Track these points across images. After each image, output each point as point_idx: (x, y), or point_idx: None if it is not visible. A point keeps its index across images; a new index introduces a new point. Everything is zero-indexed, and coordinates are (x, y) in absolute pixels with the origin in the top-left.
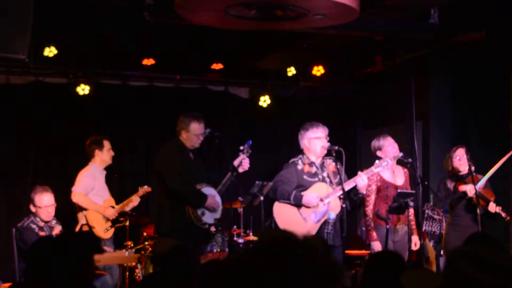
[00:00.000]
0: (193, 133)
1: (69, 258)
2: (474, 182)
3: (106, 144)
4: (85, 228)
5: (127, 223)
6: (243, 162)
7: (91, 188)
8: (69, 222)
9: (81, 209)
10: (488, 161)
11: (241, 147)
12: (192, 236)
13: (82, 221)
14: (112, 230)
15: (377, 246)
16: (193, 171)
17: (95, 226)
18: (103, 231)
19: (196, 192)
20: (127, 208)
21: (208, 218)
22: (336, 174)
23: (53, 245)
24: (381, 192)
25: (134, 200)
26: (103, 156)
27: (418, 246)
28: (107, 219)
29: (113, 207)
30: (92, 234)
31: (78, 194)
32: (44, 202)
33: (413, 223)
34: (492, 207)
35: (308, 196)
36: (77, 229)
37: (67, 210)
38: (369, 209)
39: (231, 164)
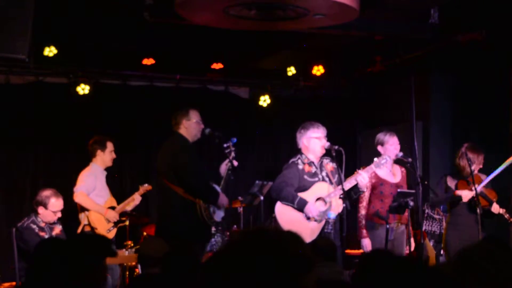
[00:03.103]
0: (194, 120)
1: (82, 260)
2: (475, 182)
3: (109, 145)
4: (87, 229)
5: (127, 223)
6: (233, 161)
7: (92, 188)
8: (69, 222)
9: (83, 209)
10: (488, 161)
11: (225, 145)
12: (199, 235)
13: (84, 221)
14: (115, 230)
15: (366, 243)
16: (203, 167)
17: (97, 227)
18: (106, 231)
19: (212, 188)
20: (129, 208)
21: (217, 216)
22: (334, 174)
23: (66, 246)
24: (375, 189)
25: (136, 199)
26: (105, 157)
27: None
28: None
29: (114, 207)
30: (105, 237)
31: (80, 194)
32: (57, 207)
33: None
34: (495, 209)
35: (311, 206)
36: (79, 229)
37: (67, 210)
38: (362, 206)
39: (229, 162)
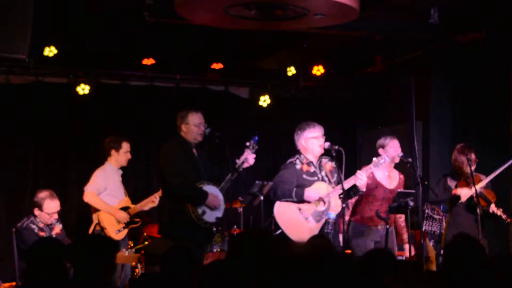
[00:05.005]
0: (193, 124)
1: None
2: (475, 183)
3: (124, 146)
4: (98, 228)
5: (139, 224)
6: (248, 158)
7: (103, 188)
8: (69, 221)
9: (96, 209)
10: (488, 161)
11: (247, 143)
12: (193, 235)
13: (95, 221)
14: (125, 231)
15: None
16: (196, 168)
17: (107, 227)
18: (115, 232)
19: (196, 190)
20: (146, 208)
21: (209, 217)
22: (333, 173)
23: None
24: (369, 191)
25: (156, 200)
26: (119, 157)
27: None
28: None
29: (128, 207)
30: (112, 239)
31: (89, 194)
32: (52, 209)
33: (403, 230)
34: (493, 209)
35: (310, 190)
36: (91, 229)
37: (66, 210)
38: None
39: (231, 164)
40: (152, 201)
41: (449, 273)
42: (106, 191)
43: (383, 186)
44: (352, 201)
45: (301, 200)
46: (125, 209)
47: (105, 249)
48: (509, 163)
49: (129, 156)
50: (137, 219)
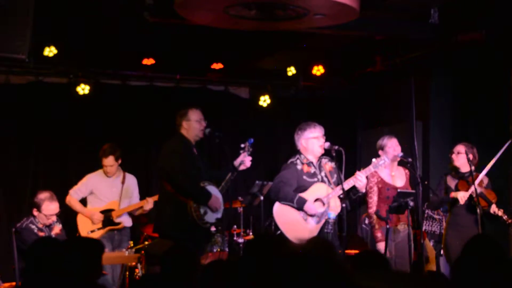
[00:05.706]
0: (194, 120)
1: (80, 257)
2: (474, 182)
3: (104, 161)
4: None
5: (121, 226)
6: (245, 160)
7: (86, 192)
8: (69, 221)
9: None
10: (488, 161)
11: (242, 145)
12: (193, 235)
13: None
14: (100, 232)
15: (381, 247)
16: (197, 168)
17: (80, 227)
18: (87, 232)
19: (201, 189)
20: (135, 213)
21: (210, 217)
22: (333, 174)
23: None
24: (382, 194)
25: (150, 202)
26: (104, 167)
27: None
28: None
29: (110, 210)
30: (96, 240)
31: (68, 197)
32: (51, 211)
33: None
34: (494, 209)
35: (311, 204)
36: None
37: (66, 210)
38: (373, 211)
39: (231, 164)
40: (140, 207)
41: (461, 275)
42: (93, 194)
43: (393, 186)
44: (373, 209)
45: (300, 208)
46: (107, 211)
47: (88, 249)
48: (499, 153)
49: (108, 170)
50: (118, 222)
